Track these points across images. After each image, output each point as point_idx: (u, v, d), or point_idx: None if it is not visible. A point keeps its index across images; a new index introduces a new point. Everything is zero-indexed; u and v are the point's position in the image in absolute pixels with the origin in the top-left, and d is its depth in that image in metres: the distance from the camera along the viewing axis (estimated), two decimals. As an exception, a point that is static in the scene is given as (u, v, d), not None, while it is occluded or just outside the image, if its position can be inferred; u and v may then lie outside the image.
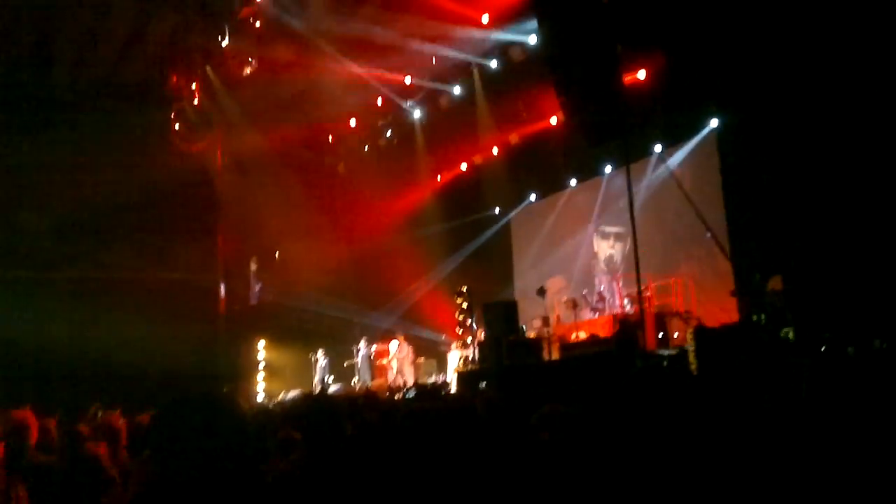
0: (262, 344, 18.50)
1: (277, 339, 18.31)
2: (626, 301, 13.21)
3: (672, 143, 14.26)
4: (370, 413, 5.25)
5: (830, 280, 9.91)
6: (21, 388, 10.66)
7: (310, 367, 17.20)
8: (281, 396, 14.28)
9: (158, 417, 2.22)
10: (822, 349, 7.75)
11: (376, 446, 3.53)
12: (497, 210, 18.29)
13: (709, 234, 12.61)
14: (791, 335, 9.04)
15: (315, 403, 3.88)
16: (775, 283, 10.06)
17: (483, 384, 9.91)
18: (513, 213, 18.20)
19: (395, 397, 10.73)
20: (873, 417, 3.68)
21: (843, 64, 10.07)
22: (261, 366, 18.37)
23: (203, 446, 2.13)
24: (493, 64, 15.65)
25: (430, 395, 8.37)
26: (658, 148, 14.43)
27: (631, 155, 13.95)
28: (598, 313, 13.46)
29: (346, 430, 3.77)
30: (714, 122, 13.36)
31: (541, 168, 16.60)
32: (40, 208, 15.45)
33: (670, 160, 14.22)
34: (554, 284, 14.75)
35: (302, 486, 3.12)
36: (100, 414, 6.91)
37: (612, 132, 13.91)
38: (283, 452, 3.87)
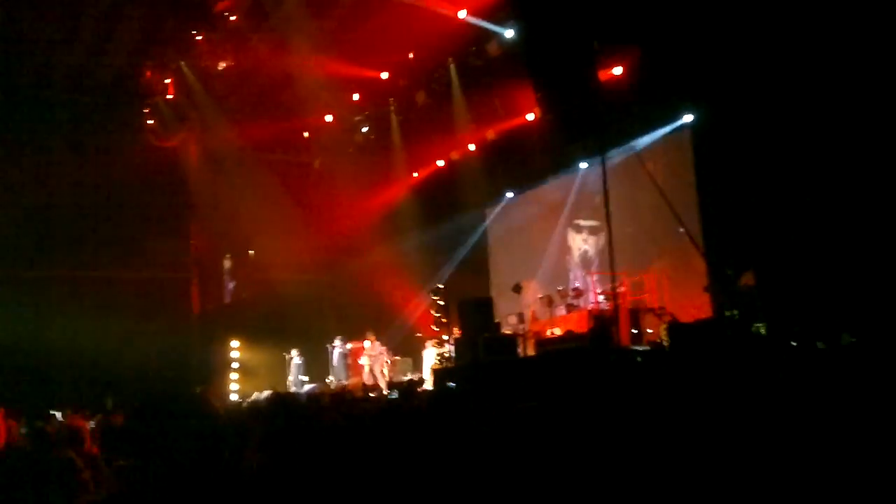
0: (235, 343, 18.33)
1: (251, 337, 18.12)
2: (600, 297, 13.29)
3: (647, 139, 14.35)
4: (336, 412, 5.24)
5: (802, 275, 10.03)
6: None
7: (284, 366, 17.12)
8: (255, 396, 14.19)
9: (131, 419, 2.21)
10: (792, 344, 7.85)
11: (337, 444, 3.53)
12: (477, 207, 18.27)
13: (682, 230, 12.70)
14: (763, 330, 9.16)
15: (278, 403, 3.87)
16: (748, 279, 10.17)
17: (451, 384, 9.93)
18: (489, 210, 18.21)
19: (371, 395, 10.73)
20: (844, 412, 3.73)
21: (815, 60, 10.18)
22: (234, 365, 18.20)
23: (176, 447, 2.13)
24: (470, 59, 15.62)
25: (406, 394, 8.38)
26: (633, 143, 14.51)
27: (606, 150, 14.07)
28: (573, 309, 13.52)
29: (309, 429, 3.76)
30: (688, 118, 13.46)
31: (517, 164, 16.62)
32: (9, 205, 15.19)
33: (645, 155, 14.30)
34: (530, 285, 14.81)
35: (259, 485, 3.11)
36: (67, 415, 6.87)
37: (588, 127, 14.00)
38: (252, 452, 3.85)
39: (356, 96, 17.42)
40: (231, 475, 2.56)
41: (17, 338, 13.37)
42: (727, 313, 9.93)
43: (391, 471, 3.20)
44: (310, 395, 11.26)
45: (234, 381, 18.02)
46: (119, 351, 13.67)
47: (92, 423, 7.21)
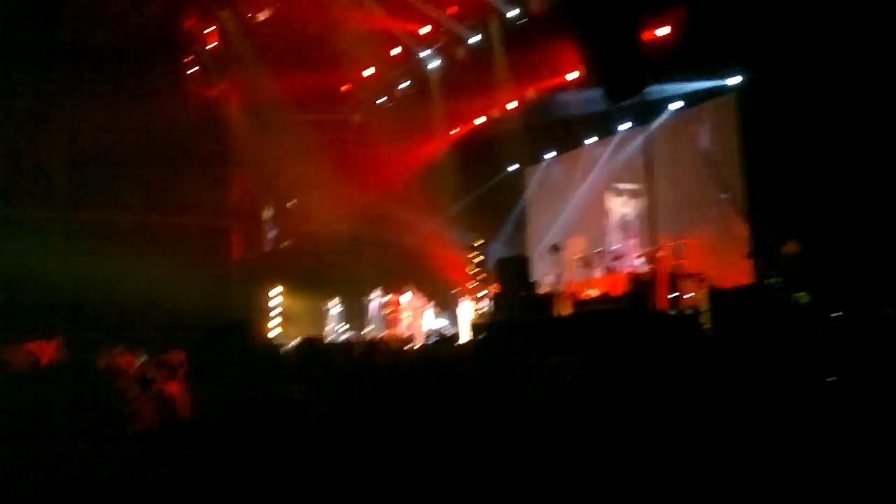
0: (275, 291, 18.64)
1: (291, 286, 18.44)
2: (639, 260, 13.18)
3: (692, 101, 14.07)
4: (368, 357, 5.32)
5: (849, 246, 9.84)
6: (33, 327, 10.73)
7: (323, 315, 17.35)
8: (293, 343, 14.39)
9: (198, 343, 2.23)
10: (835, 315, 7.72)
11: (364, 387, 3.55)
12: (517, 166, 18.16)
13: (724, 196, 12.50)
14: (805, 299, 9.02)
15: (309, 346, 3.92)
16: (792, 247, 10.00)
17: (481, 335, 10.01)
18: (529, 170, 18.08)
19: (406, 347, 10.82)
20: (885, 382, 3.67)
21: (869, 26, 9.86)
22: (274, 312, 18.52)
23: (241, 369, 2.15)
24: (512, 15, 15.36)
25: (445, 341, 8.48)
26: (677, 105, 14.24)
27: (650, 112, 13.84)
28: (610, 272, 13.44)
29: (338, 372, 3.79)
30: (735, 80, 13.15)
31: (558, 124, 16.41)
32: (56, 150, 15.44)
33: (689, 118, 14.05)
34: (573, 244, 14.70)
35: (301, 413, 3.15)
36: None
37: (631, 89, 13.76)
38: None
39: (397, 50, 17.27)
40: (280, 401, 2.58)
41: (60, 278, 13.62)
42: (769, 281, 9.78)
43: (424, 406, 3.21)
44: (342, 342, 11.40)
45: (275, 328, 18.32)
46: (160, 295, 13.92)
47: (144, 359, 7.41)
